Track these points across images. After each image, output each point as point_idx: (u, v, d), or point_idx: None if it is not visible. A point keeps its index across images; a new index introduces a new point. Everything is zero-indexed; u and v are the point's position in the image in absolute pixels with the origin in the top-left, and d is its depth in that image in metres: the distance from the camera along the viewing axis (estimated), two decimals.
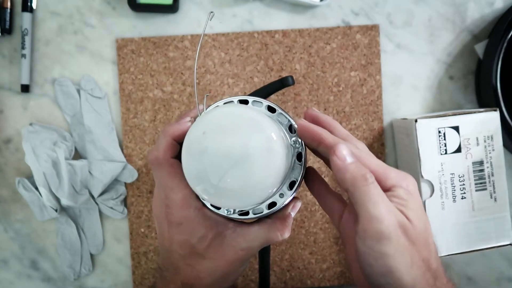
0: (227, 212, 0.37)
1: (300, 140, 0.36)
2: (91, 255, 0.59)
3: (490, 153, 0.52)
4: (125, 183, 0.58)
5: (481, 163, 0.52)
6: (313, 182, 0.41)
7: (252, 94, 0.49)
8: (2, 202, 0.58)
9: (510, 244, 0.52)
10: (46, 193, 0.53)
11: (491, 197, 0.52)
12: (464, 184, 0.51)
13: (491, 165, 0.52)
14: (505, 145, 0.54)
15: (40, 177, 0.53)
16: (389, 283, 0.33)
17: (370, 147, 0.58)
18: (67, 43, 0.58)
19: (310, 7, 0.58)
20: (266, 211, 0.37)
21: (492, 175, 0.52)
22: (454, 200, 0.51)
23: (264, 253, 0.44)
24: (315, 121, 0.38)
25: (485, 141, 0.52)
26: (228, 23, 0.58)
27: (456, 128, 0.51)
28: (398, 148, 0.58)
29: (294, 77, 0.57)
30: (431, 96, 0.59)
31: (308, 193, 0.58)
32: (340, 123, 0.58)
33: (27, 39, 0.57)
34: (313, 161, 0.58)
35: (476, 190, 0.52)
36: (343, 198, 0.40)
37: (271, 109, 0.37)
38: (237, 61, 0.58)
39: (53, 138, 0.55)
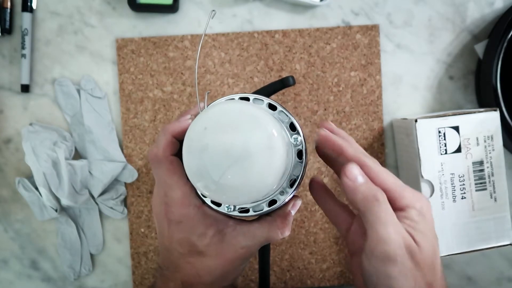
0: (227, 210, 0.37)
1: (300, 138, 0.36)
2: (91, 255, 0.59)
3: (490, 153, 0.52)
4: (125, 183, 0.58)
5: (481, 163, 0.52)
6: (319, 193, 0.41)
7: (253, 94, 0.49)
8: (2, 202, 0.58)
9: (510, 244, 0.52)
10: (46, 193, 0.53)
11: (491, 197, 0.52)
12: (464, 184, 0.51)
13: (491, 165, 0.52)
14: (505, 145, 0.54)
15: (40, 177, 0.53)
16: None
17: (370, 147, 0.58)
18: (67, 43, 0.58)
19: (310, 7, 0.58)
20: (266, 209, 0.37)
21: (492, 175, 0.52)
22: (454, 200, 0.51)
23: (264, 253, 0.44)
24: (326, 137, 0.38)
25: (485, 141, 0.52)
26: (228, 23, 0.58)
27: (456, 128, 0.51)
28: (398, 148, 0.58)
29: (294, 77, 0.57)
30: (431, 96, 0.59)
31: (308, 192, 0.58)
32: (340, 123, 0.58)
33: (27, 39, 0.57)
34: (313, 161, 0.58)
35: (476, 190, 0.52)
36: (350, 209, 0.40)
37: (272, 107, 0.37)
38: (237, 61, 0.58)
39: (53, 138, 0.55)
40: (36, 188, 0.55)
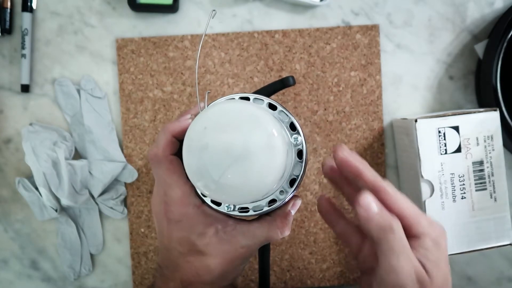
0: (227, 209, 0.37)
1: (300, 137, 0.36)
2: (91, 255, 0.59)
3: (490, 153, 0.52)
4: (125, 183, 0.58)
5: (481, 163, 0.52)
6: (328, 213, 0.41)
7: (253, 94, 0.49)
8: (2, 202, 0.58)
9: (510, 244, 0.52)
10: (46, 193, 0.53)
11: (491, 197, 0.52)
12: (464, 184, 0.51)
13: (491, 165, 0.52)
14: (505, 145, 0.54)
15: (40, 177, 0.53)
16: None
17: (370, 147, 0.58)
18: (67, 43, 0.58)
19: (310, 7, 0.58)
20: (266, 208, 0.37)
21: (492, 175, 0.52)
22: (454, 200, 0.51)
23: (264, 253, 0.44)
24: (346, 159, 0.38)
25: (485, 141, 0.52)
26: (228, 23, 0.58)
27: (456, 128, 0.51)
28: (398, 148, 0.58)
29: (294, 77, 0.57)
30: (431, 96, 0.59)
31: (308, 192, 0.59)
32: (340, 123, 0.58)
33: (27, 39, 0.57)
34: (313, 161, 0.58)
35: (476, 190, 0.52)
36: (361, 229, 0.40)
37: (272, 107, 0.37)
38: (237, 61, 0.58)
39: (53, 138, 0.55)
40: (36, 188, 0.55)
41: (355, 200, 0.35)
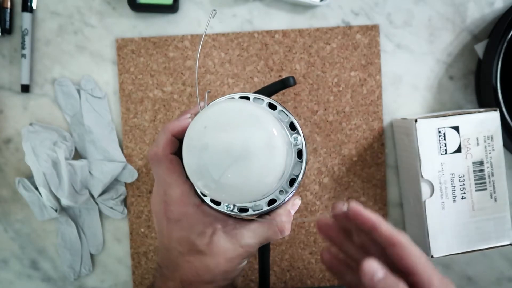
0: (227, 208, 0.37)
1: (300, 137, 0.36)
2: (91, 255, 0.59)
3: (490, 153, 0.52)
4: (125, 183, 0.58)
5: (481, 163, 0.52)
6: (333, 267, 0.40)
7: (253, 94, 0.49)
8: (2, 202, 0.58)
9: (510, 244, 0.52)
10: (46, 193, 0.53)
11: (491, 197, 0.52)
12: (464, 184, 0.51)
13: (491, 165, 0.52)
14: (505, 145, 0.54)
15: (40, 177, 0.53)
16: None
17: (370, 147, 0.58)
18: (67, 43, 0.58)
19: (310, 7, 0.58)
20: (266, 208, 0.37)
21: (492, 175, 0.52)
22: (454, 200, 0.51)
23: (264, 253, 0.44)
24: (360, 212, 0.38)
25: (485, 141, 0.52)
26: (228, 23, 0.58)
27: (456, 128, 0.51)
28: (398, 148, 0.58)
29: (295, 77, 0.57)
30: (431, 96, 0.59)
31: (308, 192, 0.59)
32: (340, 123, 0.58)
33: (27, 39, 0.57)
34: (313, 161, 0.58)
35: (476, 190, 0.52)
36: None
37: (272, 106, 0.37)
38: (237, 61, 0.58)
39: (53, 138, 0.55)
40: (36, 188, 0.55)
41: (360, 267, 0.34)
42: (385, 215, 0.59)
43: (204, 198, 0.38)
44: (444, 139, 0.51)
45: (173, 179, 0.38)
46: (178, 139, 0.38)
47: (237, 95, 0.37)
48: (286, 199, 0.37)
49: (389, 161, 0.59)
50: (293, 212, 0.39)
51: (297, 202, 0.40)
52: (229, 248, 0.38)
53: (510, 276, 0.61)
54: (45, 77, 0.58)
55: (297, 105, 0.58)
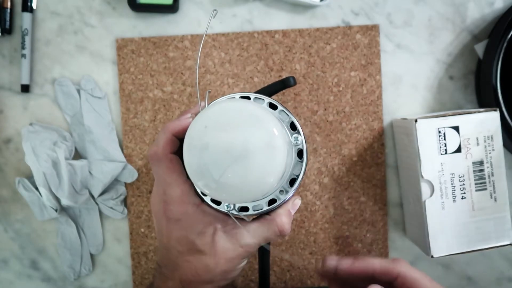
0: (227, 208, 0.37)
1: (301, 137, 0.36)
2: (91, 255, 0.59)
3: (490, 153, 0.52)
4: (125, 183, 0.58)
5: (481, 163, 0.52)
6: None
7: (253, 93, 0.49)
8: (2, 202, 0.58)
9: (510, 244, 0.52)
10: (46, 193, 0.53)
11: (491, 197, 0.52)
12: (464, 184, 0.51)
13: (491, 165, 0.52)
14: (505, 145, 0.54)
15: (40, 177, 0.53)
16: None
17: (370, 147, 0.58)
18: (67, 43, 0.58)
19: (310, 7, 0.58)
20: (266, 208, 0.37)
21: (492, 175, 0.52)
22: (454, 200, 0.51)
23: (264, 252, 0.44)
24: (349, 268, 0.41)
25: (485, 141, 0.52)
26: (228, 23, 0.58)
27: (456, 128, 0.51)
28: (398, 148, 0.58)
29: (295, 77, 0.57)
30: (431, 96, 0.59)
31: (308, 192, 0.59)
32: (340, 123, 0.58)
33: (27, 39, 0.57)
34: (313, 161, 0.58)
35: (476, 190, 0.52)
36: None
37: (272, 106, 0.37)
38: (237, 61, 0.58)
39: (53, 138, 0.55)
40: (36, 188, 0.55)
41: None
42: (385, 215, 0.59)
43: (204, 197, 0.38)
44: (444, 139, 0.51)
45: (173, 179, 0.38)
46: (178, 139, 0.38)
47: (237, 95, 0.37)
48: (286, 199, 0.37)
49: (389, 161, 0.59)
50: (293, 212, 0.39)
51: (297, 202, 0.40)
52: (229, 248, 0.38)
53: (510, 276, 0.61)
54: (45, 77, 0.58)
55: (297, 105, 0.58)
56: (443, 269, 0.60)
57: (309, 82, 0.58)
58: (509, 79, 0.54)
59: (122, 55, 0.58)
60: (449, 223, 0.51)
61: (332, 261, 0.41)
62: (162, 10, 0.57)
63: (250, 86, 0.58)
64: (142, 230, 0.58)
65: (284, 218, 0.38)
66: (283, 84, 0.47)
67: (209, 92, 0.37)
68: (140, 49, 0.58)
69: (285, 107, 0.37)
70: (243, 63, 0.58)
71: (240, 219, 0.39)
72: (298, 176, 0.36)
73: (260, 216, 0.39)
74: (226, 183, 0.32)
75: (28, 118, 0.58)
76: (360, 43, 0.58)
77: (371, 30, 0.58)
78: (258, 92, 0.50)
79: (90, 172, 0.57)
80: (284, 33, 0.58)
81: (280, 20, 0.58)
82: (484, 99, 0.57)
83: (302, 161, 0.36)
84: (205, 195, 0.38)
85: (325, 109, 0.58)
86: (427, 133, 0.51)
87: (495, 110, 0.52)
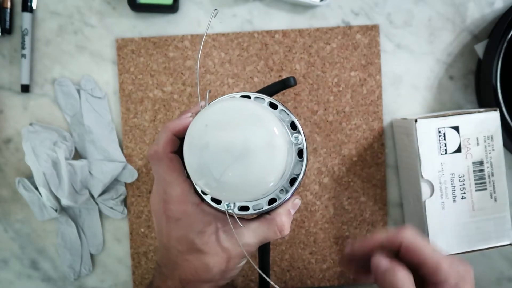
0: (228, 207, 0.37)
1: (301, 137, 0.36)
2: (91, 255, 0.59)
3: (490, 153, 0.52)
4: (125, 183, 0.58)
5: (481, 163, 0.52)
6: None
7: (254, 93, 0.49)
8: (2, 202, 0.58)
9: (510, 244, 0.52)
10: (46, 193, 0.53)
11: (491, 197, 0.52)
12: (464, 184, 0.51)
13: (491, 165, 0.52)
14: (505, 145, 0.54)
15: (40, 177, 0.53)
16: None
17: (370, 147, 0.58)
18: (67, 43, 0.58)
19: (310, 7, 0.58)
20: (266, 207, 0.37)
21: (492, 175, 0.52)
22: (454, 200, 0.51)
23: (264, 252, 0.44)
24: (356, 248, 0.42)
25: (485, 141, 0.52)
26: (228, 23, 0.58)
27: (456, 128, 0.51)
28: (398, 148, 0.58)
29: (295, 77, 0.57)
30: (431, 96, 0.59)
31: (308, 192, 0.59)
32: (340, 123, 0.58)
33: (27, 39, 0.57)
34: (313, 161, 0.58)
35: (476, 190, 0.52)
36: None
37: (273, 106, 0.37)
38: (237, 61, 0.58)
39: (53, 138, 0.55)
40: (36, 188, 0.55)
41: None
42: (385, 215, 0.59)
43: (205, 197, 0.38)
44: (444, 139, 0.51)
45: (173, 178, 0.38)
46: (178, 138, 0.38)
47: (238, 94, 0.37)
48: (286, 199, 0.37)
49: (389, 161, 0.59)
50: (293, 211, 0.39)
51: (297, 202, 0.40)
52: (229, 247, 0.38)
53: (510, 276, 0.61)
54: (45, 77, 0.58)
55: (297, 105, 0.58)
56: None
57: (309, 82, 0.58)
58: (509, 79, 0.54)
59: (122, 55, 0.58)
60: (449, 223, 0.51)
61: (348, 246, 0.42)
62: (162, 10, 0.57)
63: (250, 86, 0.58)
64: (142, 230, 0.58)
65: (284, 218, 0.38)
66: (284, 84, 0.47)
67: (210, 91, 0.37)
68: (140, 49, 0.58)
69: (285, 107, 0.37)
70: (243, 63, 0.58)
71: (240, 219, 0.39)
72: (298, 175, 0.36)
73: (260, 215, 0.39)
74: (227, 182, 0.32)
75: (28, 118, 0.58)
76: (360, 43, 0.58)
77: (371, 30, 0.58)
78: (258, 92, 0.50)
79: (90, 172, 0.57)
80: (284, 33, 0.58)
81: (280, 20, 0.58)
82: (484, 99, 0.57)
83: (302, 161, 0.36)
84: (205, 194, 0.38)
85: (325, 109, 0.58)
86: (427, 133, 0.51)
87: (495, 110, 0.52)
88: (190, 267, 0.38)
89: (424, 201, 0.51)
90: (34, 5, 0.57)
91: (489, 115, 0.51)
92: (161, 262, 0.41)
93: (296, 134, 0.36)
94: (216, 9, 0.38)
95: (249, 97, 0.37)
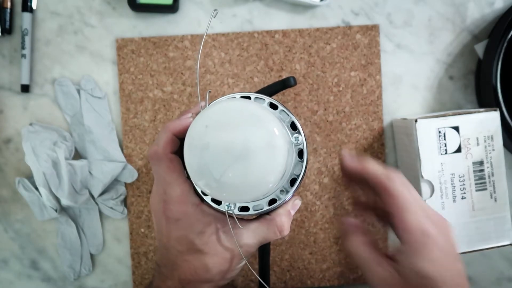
0: (228, 208, 0.37)
1: (301, 137, 0.36)
2: (91, 255, 0.59)
3: (490, 153, 0.52)
4: (125, 183, 0.58)
5: (481, 163, 0.52)
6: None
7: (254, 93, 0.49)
8: (2, 202, 0.58)
9: (510, 244, 0.52)
10: (46, 193, 0.53)
11: (491, 197, 0.52)
12: (464, 184, 0.51)
13: (491, 165, 0.52)
14: (505, 145, 0.54)
15: (40, 177, 0.53)
16: None
17: (370, 147, 0.58)
18: (67, 43, 0.58)
19: (310, 7, 0.58)
20: (266, 208, 0.37)
21: (492, 175, 0.52)
22: (454, 200, 0.51)
23: (264, 252, 0.44)
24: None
25: (485, 141, 0.52)
26: (228, 23, 0.58)
27: (456, 128, 0.51)
28: (398, 148, 0.58)
29: (295, 77, 0.57)
30: (431, 96, 0.59)
31: (308, 192, 0.59)
32: (340, 123, 0.58)
33: (27, 39, 0.57)
34: (313, 161, 0.58)
35: (476, 190, 0.52)
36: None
37: (273, 106, 0.37)
38: (237, 61, 0.58)
39: (53, 138, 0.55)
40: (36, 188, 0.55)
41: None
42: None
43: (205, 197, 0.38)
44: (444, 139, 0.51)
45: (173, 178, 0.38)
46: (178, 139, 0.38)
47: (238, 95, 0.37)
48: (286, 199, 0.37)
49: (389, 161, 0.59)
50: (293, 212, 0.39)
51: (298, 202, 0.40)
52: (228, 247, 0.38)
53: (510, 276, 0.61)
54: (45, 77, 0.58)
55: (297, 105, 0.58)
56: None
57: (309, 82, 0.58)
58: (509, 79, 0.54)
59: (122, 55, 0.58)
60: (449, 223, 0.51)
61: (345, 153, 0.42)
62: (162, 10, 0.57)
63: (250, 86, 0.58)
64: (142, 230, 0.58)
65: (283, 218, 0.38)
66: (284, 84, 0.47)
67: (210, 92, 0.37)
68: (140, 49, 0.58)
69: (285, 107, 0.37)
70: (243, 63, 0.58)
71: (240, 219, 0.39)
72: (298, 176, 0.36)
73: (260, 216, 0.39)
74: (227, 183, 0.32)
75: (28, 118, 0.58)
76: (360, 43, 0.58)
77: (371, 30, 0.58)
78: (258, 92, 0.50)
79: (90, 172, 0.57)
80: (284, 33, 0.58)
81: (280, 20, 0.58)
82: (484, 99, 0.57)
83: (302, 161, 0.36)
84: (205, 194, 0.38)
85: (325, 109, 0.58)
86: (427, 133, 0.51)
87: (495, 110, 0.52)
88: (189, 267, 0.38)
89: (424, 201, 0.51)
90: (34, 5, 0.57)
91: (489, 115, 0.51)
92: (161, 262, 0.41)
93: (296, 135, 0.36)
94: (215, 10, 0.38)
95: (249, 97, 0.37)
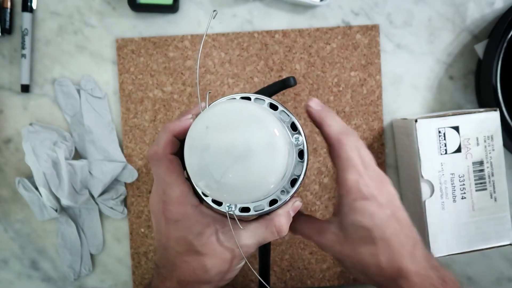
0: (228, 208, 0.37)
1: (302, 137, 0.36)
2: (91, 255, 0.59)
3: (490, 153, 0.52)
4: (125, 183, 0.58)
5: (481, 163, 0.52)
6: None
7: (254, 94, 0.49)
8: (2, 202, 0.58)
9: (510, 244, 0.52)
10: (46, 193, 0.53)
11: (491, 197, 0.52)
12: (464, 184, 0.51)
13: (491, 165, 0.52)
14: (505, 145, 0.54)
15: (40, 177, 0.53)
16: None
17: (370, 147, 0.58)
18: (67, 43, 0.58)
19: (310, 7, 0.58)
20: (267, 208, 0.37)
21: (492, 175, 0.52)
22: (454, 200, 0.51)
23: (264, 253, 0.44)
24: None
25: (485, 141, 0.52)
26: (228, 23, 0.58)
27: (456, 128, 0.51)
28: (398, 148, 0.58)
29: (295, 77, 0.57)
30: (431, 96, 0.59)
31: (309, 192, 0.59)
32: None
33: (27, 39, 0.57)
34: (313, 161, 0.58)
35: (476, 190, 0.52)
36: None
37: (273, 107, 0.37)
38: (237, 61, 0.58)
39: (53, 138, 0.55)
40: (36, 188, 0.55)
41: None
42: None
43: (206, 198, 0.38)
44: (444, 139, 0.51)
45: (172, 179, 0.38)
46: (178, 140, 0.38)
47: (238, 96, 0.37)
48: (287, 199, 0.37)
49: (389, 161, 0.59)
50: (293, 213, 0.39)
51: (298, 204, 0.40)
52: (227, 248, 0.38)
53: (510, 276, 0.61)
54: (45, 77, 0.58)
55: (297, 105, 0.58)
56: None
57: (309, 82, 0.58)
58: (509, 79, 0.54)
59: (122, 55, 0.58)
60: (449, 223, 0.51)
61: (311, 101, 0.43)
62: (162, 10, 0.57)
63: (250, 86, 0.58)
64: (142, 230, 0.58)
65: (282, 219, 0.38)
66: (283, 84, 0.47)
67: (210, 92, 0.37)
68: (140, 49, 0.58)
69: (285, 108, 0.37)
70: (243, 63, 0.58)
71: (239, 220, 0.39)
72: (299, 176, 0.36)
73: (260, 216, 0.39)
74: (227, 184, 0.32)
75: (28, 118, 0.58)
76: (360, 43, 0.58)
77: (371, 30, 0.58)
78: (258, 92, 0.50)
79: (90, 172, 0.57)
80: (284, 33, 0.58)
81: (280, 20, 0.58)
82: (484, 99, 0.57)
83: (303, 162, 0.36)
84: (206, 195, 0.38)
85: None
86: (427, 133, 0.51)
87: (495, 110, 0.52)
88: (188, 268, 0.38)
89: (424, 201, 0.51)
90: (34, 5, 0.57)
91: (489, 115, 0.51)
92: (160, 262, 0.41)
93: (296, 135, 0.36)
94: (215, 11, 0.38)
95: (249, 98, 0.37)
